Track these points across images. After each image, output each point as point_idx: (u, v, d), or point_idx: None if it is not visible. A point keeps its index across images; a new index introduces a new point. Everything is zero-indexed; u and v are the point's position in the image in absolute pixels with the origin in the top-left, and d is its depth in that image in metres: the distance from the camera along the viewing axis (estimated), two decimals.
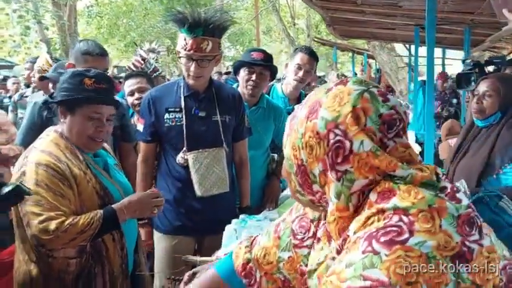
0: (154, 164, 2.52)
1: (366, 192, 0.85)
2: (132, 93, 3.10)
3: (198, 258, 1.61)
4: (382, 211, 0.79)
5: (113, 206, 1.77)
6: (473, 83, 2.95)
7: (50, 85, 3.04)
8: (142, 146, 2.48)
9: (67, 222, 1.64)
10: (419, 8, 4.70)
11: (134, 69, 3.93)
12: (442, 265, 0.73)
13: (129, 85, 3.16)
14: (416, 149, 4.77)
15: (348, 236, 0.84)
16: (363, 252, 0.76)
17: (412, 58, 8.19)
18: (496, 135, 2.37)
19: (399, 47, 11.35)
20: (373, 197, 0.83)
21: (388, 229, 0.76)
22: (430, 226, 0.75)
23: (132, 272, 1.96)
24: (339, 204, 0.86)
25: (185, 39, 2.23)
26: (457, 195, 0.81)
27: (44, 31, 13.68)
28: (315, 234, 1.08)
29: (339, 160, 0.84)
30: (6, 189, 1.30)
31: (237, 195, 2.61)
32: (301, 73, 3.09)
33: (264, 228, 2.01)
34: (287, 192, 3.03)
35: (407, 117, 0.90)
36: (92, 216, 1.70)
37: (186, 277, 1.37)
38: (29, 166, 1.67)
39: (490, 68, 3.28)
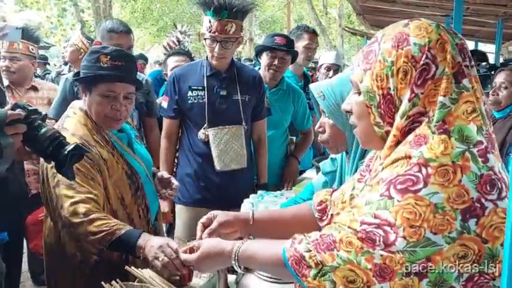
0: (177, 139, 2.65)
1: (411, 124, 0.93)
2: None
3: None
4: (409, 157, 0.89)
5: (143, 234, 1.61)
6: (489, 86, 3.00)
7: None
8: (166, 122, 2.61)
9: (96, 214, 1.60)
10: None
11: (169, 49, 4.07)
12: (449, 215, 0.84)
13: (172, 61, 3.31)
14: None
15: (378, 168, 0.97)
16: (381, 195, 0.89)
17: None
18: (509, 126, 2.41)
19: None
20: (410, 137, 0.93)
21: (407, 177, 0.87)
22: (444, 180, 0.85)
23: None
24: (401, 123, 0.95)
25: (210, 22, 2.34)
26: (488, 155, 0.88)
27: (80, 13, 14.05)
28: (370, 170, 1.14)
29: (419, 82, 0.93)
30: (67, 149, 1.36)
31: (255, 173, 2.73)
32: (310, 53, 3.33)
33: (279, 204, 2.13)
34: (305, 174, 3.13)
35: None
36: (117, 224, 1.61)
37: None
38: None
39: None
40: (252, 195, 2.34)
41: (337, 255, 0.91)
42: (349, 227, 0.92)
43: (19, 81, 3.14)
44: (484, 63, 3.41)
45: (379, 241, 0.86)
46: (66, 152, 1.36)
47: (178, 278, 1.45)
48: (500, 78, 2.64)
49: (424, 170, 0.86)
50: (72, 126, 1.76)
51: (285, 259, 0.99)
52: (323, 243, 0.94)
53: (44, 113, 1.42)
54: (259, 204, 2.22)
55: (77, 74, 1.86)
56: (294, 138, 3.08)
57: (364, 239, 0.88)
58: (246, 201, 2.29)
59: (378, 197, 0.90)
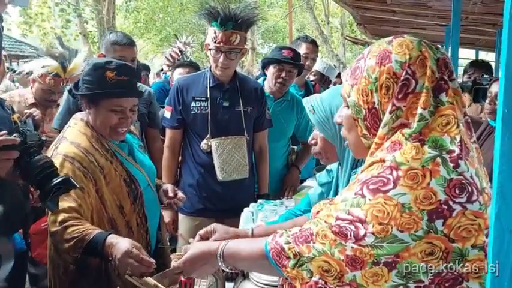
0: (180, 149, 2.68)
1: (391, 133, 0.99)
2: None
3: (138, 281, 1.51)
4: (383, 161, 0.96)
5: (109, 237, 1.60)
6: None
7: None
8: (168, 132, 2.64)
9: (71, 221, 1.61)
10: (449, 8, 4.71)
11: (171, 60, 4.10)
12: (415, 215, 0.89)
13: (179, 73, 3.36)
14: None
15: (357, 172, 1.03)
16: (355, 194, 0.96)
17: None
18: None
19: None
20: (387, 143, 0.99)
21: (379, 179, 0.93)
22: (413, 182, 0.90)
23: (155, 246, 2.12)
24: (382, 132, 1.01)
25: (215, 32, 2.40)
26: (459, 161, 0.92)
27: (84, 24, 14.19)
28: None
29: (400, 96, 0.98)
30: (55, 181, 1.35)
31: (256, 183, 2.76)
32: (308, 62, 3.37)
33: (278, 213, 2.16)
34: (305, 183, 3.17)
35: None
36: (86, 229, 1.61)
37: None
38: (57, 158, 1.70)
39: None
40: (251, 205, 2.37)
41: (313, 247, 0.98)
42: (325, 221, 0.99)
43: None
44: (486, 76, 3.42)
45: (351, 235, 0.93)
46: (52, 184, 1.35)
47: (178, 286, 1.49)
48: (495, 88, 2.67)
49: (395, 173, 0.92)
50: (71, 135, 1.80)
51: (267, 251, 1.06)
52: (301, 236, 1.02)
53: (43, 138, 1.43)
54: (258, 213, 2.24)
55: (75, 85, 1.87)
56: (296, 148, 3.12)
57: (337, 232, 0.95)
58: (246, 210, 2.32)
59: (352, 195, 0.96)
